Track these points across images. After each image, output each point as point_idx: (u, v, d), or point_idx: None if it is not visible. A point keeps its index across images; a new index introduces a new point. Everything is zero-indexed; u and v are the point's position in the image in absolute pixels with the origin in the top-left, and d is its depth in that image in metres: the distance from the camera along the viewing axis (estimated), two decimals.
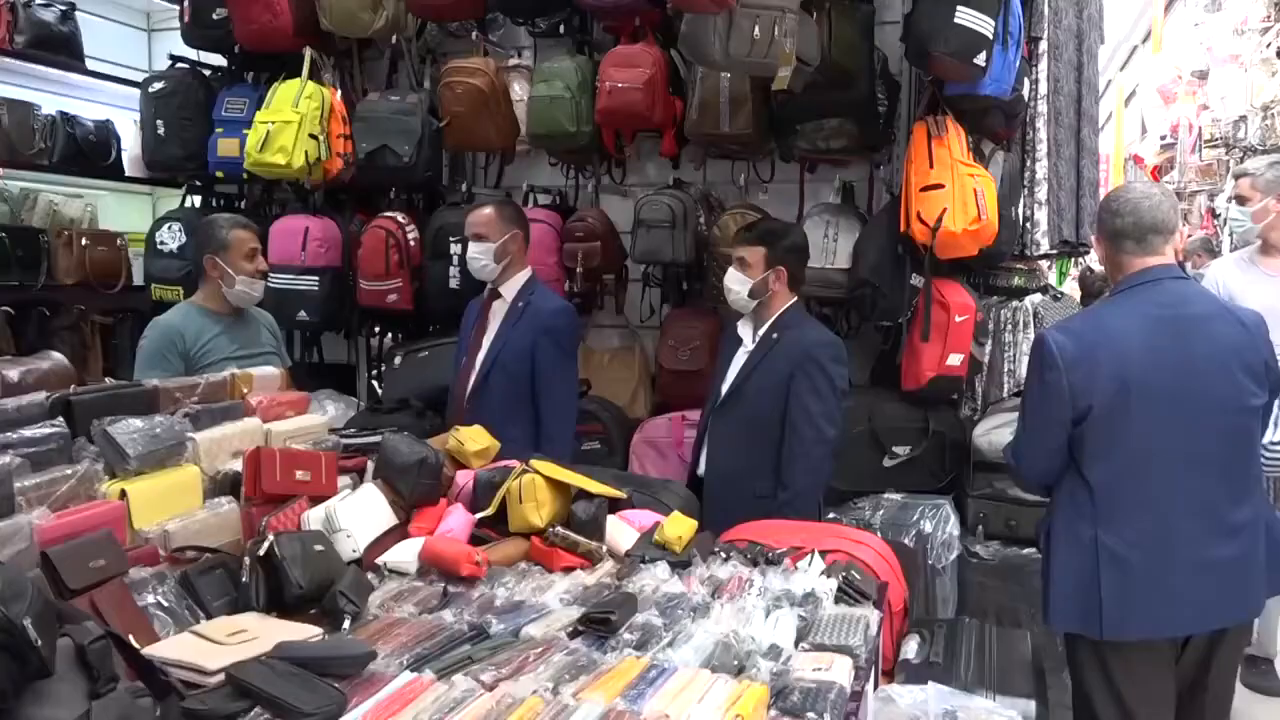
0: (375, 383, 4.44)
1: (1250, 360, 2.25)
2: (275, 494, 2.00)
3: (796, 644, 1.73)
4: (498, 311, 3.29)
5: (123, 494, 1.81)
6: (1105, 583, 2.21)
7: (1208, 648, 2.28)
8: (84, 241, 4.58)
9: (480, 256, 3.21)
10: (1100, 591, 2.21)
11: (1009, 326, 3.60)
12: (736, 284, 3.05)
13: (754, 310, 3.09)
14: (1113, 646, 2.25)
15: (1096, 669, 2.31)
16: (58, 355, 2.42)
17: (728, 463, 3.04)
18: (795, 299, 3.11)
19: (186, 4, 4.29)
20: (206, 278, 3.16)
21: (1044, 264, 4.28)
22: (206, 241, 3.16)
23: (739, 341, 3.13)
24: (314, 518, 2.00)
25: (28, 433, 1.77)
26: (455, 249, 3.89)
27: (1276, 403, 2.40)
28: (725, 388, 3.08)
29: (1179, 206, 2.39)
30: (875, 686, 1.87)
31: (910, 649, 2.30)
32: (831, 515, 3.23)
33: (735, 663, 1.62)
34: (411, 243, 4.02)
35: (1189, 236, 11.25)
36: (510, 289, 3.28)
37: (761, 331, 3.06)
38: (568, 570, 2.08)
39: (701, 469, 3.12)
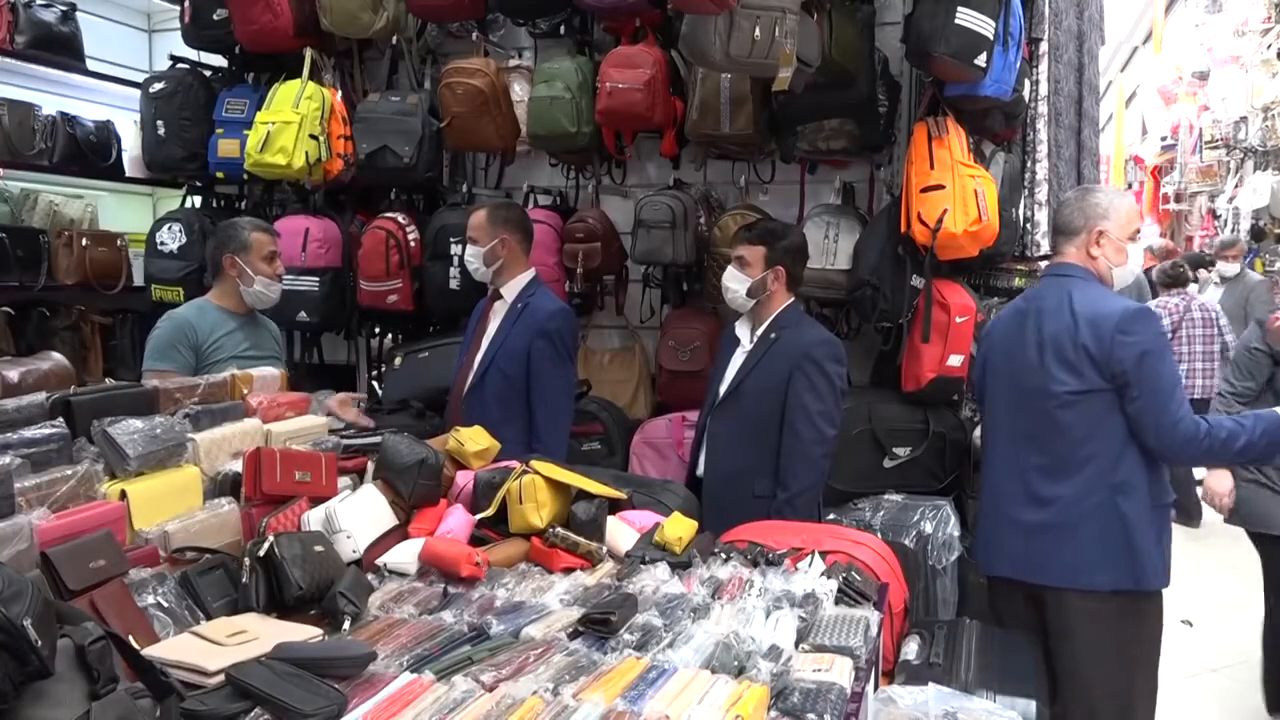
0: (375, 383, 4.44)
1: (1064, 350, 2.51)
2: (275, 495, 2.00)
3: (797, 645, 1.73)
4: (498, 312, 3.32)
5: (123, 494, 1.81)
6: (977, 527, 2.80)
7: (1040, 606, 2.60)
8: (84, 242, 4.57)
9: (472, 259, 3.30)
10: (976, 533, 2.81)
11: None
12: (735, 283, 3.06)
13: (752, 310, 3.10)
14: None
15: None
16: (58, 356, 2.41)
17: (727, 463, 3.04)
18: (793, 299, 3.12)
19: (187, 4, 4.29)
20: (224, 276, 3.21)
21: (1044, 265, 4.27)
22: (227, 241, 3.21)
23: (737, 342, 3.14)
24: (314, 518, 2.00)
25: (28, 433, 1.77)
26: (455, 250, 3.89)
27: None
28: (724, 388, 3.08)
29: (1099, 207, 2.62)
30: (875, 687, 1.87)
31: (910, 650, 2.30)
32: (831, 516, 3.23)
33: (735, 663, 1.62)
34: (412, 243, 4.02)
35: (1206, 238, 11.24)
36: (511, 290, 3.31)
37: (760, 331, 3.07)
38: (568, 571, 2.08)
39: (700, 470, 3.12)
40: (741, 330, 3.14)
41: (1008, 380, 2.67)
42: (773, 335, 3.04)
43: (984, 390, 2.80)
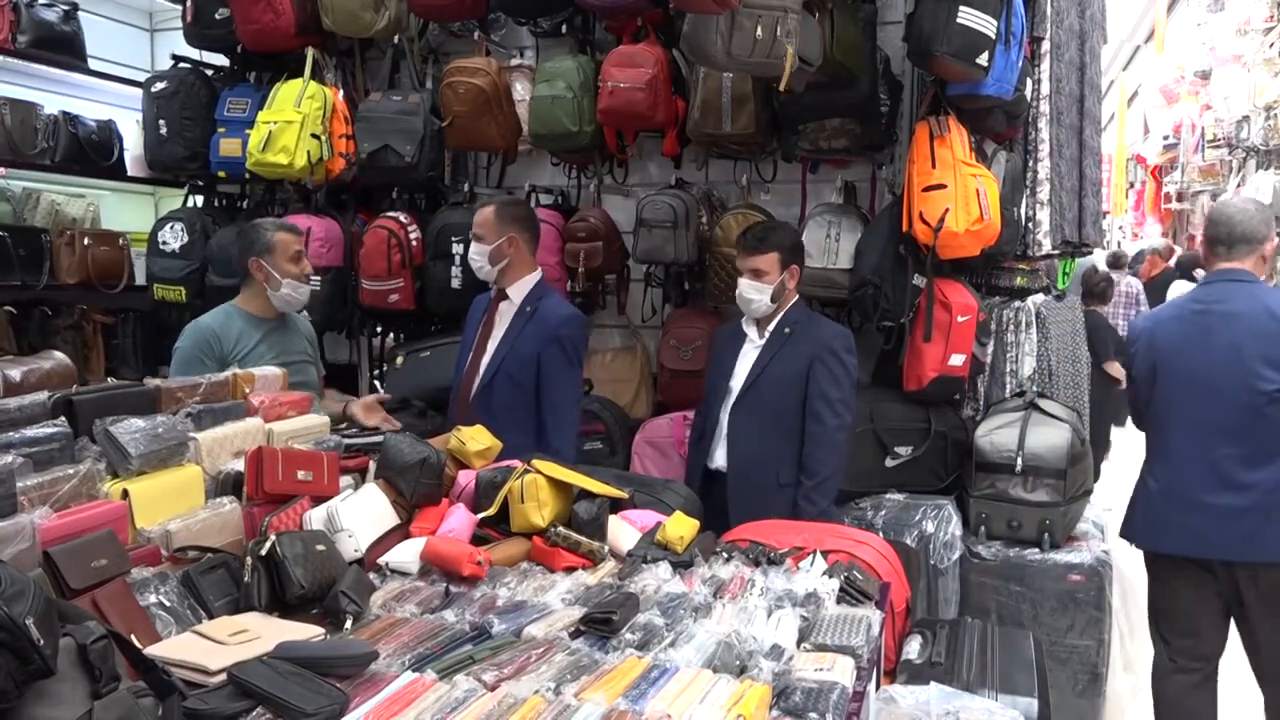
0: (377, 383, 4.44)
1: (1269, 351, 2.76)
2: (277, 494, 2.00)
3: (798, 644, 1.73)
4: (504, 313, 3.25)
5: (125, 494, 1.82)
6: (1139, 508, 3.02)
7: (1232, 580, 2.87)
8: (86, 241, 4.57)
9: (476, 257, 3.22)
10: (1136, 513, 3.02)
11: (1011, 327, 3.59)
12: (755, 294, 3.10)
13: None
14: (1152, 559, 3.05)
15: (1151, 577, 3.09)
16: (60, 355, 2.42)
17: (750, 455, 3.10)
18: (797, 295, 3.20)
19: (189, 4, 4.29)
20: (250, 280, 3.12)
21: (1044, 264, 4.27)
22: (251, 244, 3.11)
23: (742, 338, 3.18)
24: (316, 518, 2.00)
25: (30, 432, 1.77)
26: (457, 249, 3.89)
27: None
28: (739, 384, 3.14)
29: (1273, 221, 2.95)
30: (877, 687, 1.87)
31: (912, 649, 2.30)
32: None
33: (737, 663, 1.62)
34: (413, 243, 4.02)
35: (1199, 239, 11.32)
36: (518, 291, 3.24)
37: (771, 328, 3.14)
38: (569, 570, 2.08)
39: (716, 463, 3.16)
40: (749, 327, 3.19)
41: (1191, 377, 2.86)
42: (786, 330, 3.12)
43: (1154, 385, 2.97)
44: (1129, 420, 3.49)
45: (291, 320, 3.26)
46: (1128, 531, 3.06)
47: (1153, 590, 3.09)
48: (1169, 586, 3.01)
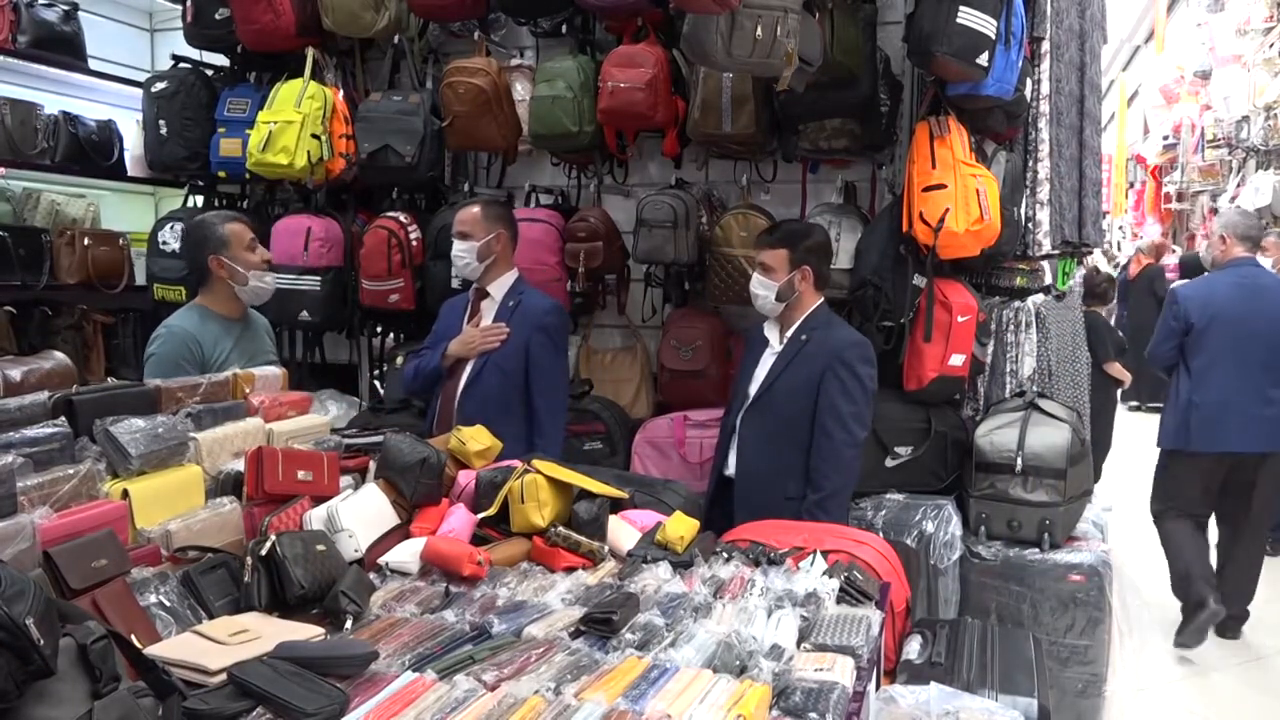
0: (377, 383, 4.44)
1: None
2: (277, 494, 2.00)
3: (798, 644, 1.73)
4: (487, 310, 3.32)
5: (125, 494, 1.82)
6: (1193, 421, 4.34)
7: (1255, 466, 4.34)
8: (86, 241, 4.57)
9: (464, 254, 3.26)
10: (1190, 425, 4.35)
11: (1011, 327, 3.58)
12: (762, 289, 3.07)
13: (781, 312, 3.10)
14: (1186, 456, 4.42)
15: (1171, 471, 4.52)
16: (60, 355, 2.42)
17: (758, 465, 3.04)
18: (821, 299, 3.13)
19: (189, 4, 4.29)
20: (213, 279, 3.01)
21: (1045, 264, 4.27)
22: (204, 241, 3.00)
23: (765, 343, 3.14)
24: (316, 518, 2.00)
25: (30, 432, 1.77)
26: None
27: None
28: (754, 389, 3.09)
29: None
30: (877, 687, 1.87)
31: (912, 649, 2.30)
32: None
33: (737, 663, 1.62)
34: (413, 242, 4.02)
35: (1208, 237, 11.34)
36: (498, 288, 3.32)
37: (790, 333, 3.08)
38: (569, 570, 2.08)
39: (728, 470, 3.13)
40: (770, 331, 3.15)
41: (1239, 326, 4.30)
42: (803, 337, 3.05)
43: (1203, 333, 4.36)
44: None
45: (253, 320, 3.18)
46: (1174, 441, 4.40)
47: (1170, 482, 4.50)
48: (1191, 475, 4.42)
